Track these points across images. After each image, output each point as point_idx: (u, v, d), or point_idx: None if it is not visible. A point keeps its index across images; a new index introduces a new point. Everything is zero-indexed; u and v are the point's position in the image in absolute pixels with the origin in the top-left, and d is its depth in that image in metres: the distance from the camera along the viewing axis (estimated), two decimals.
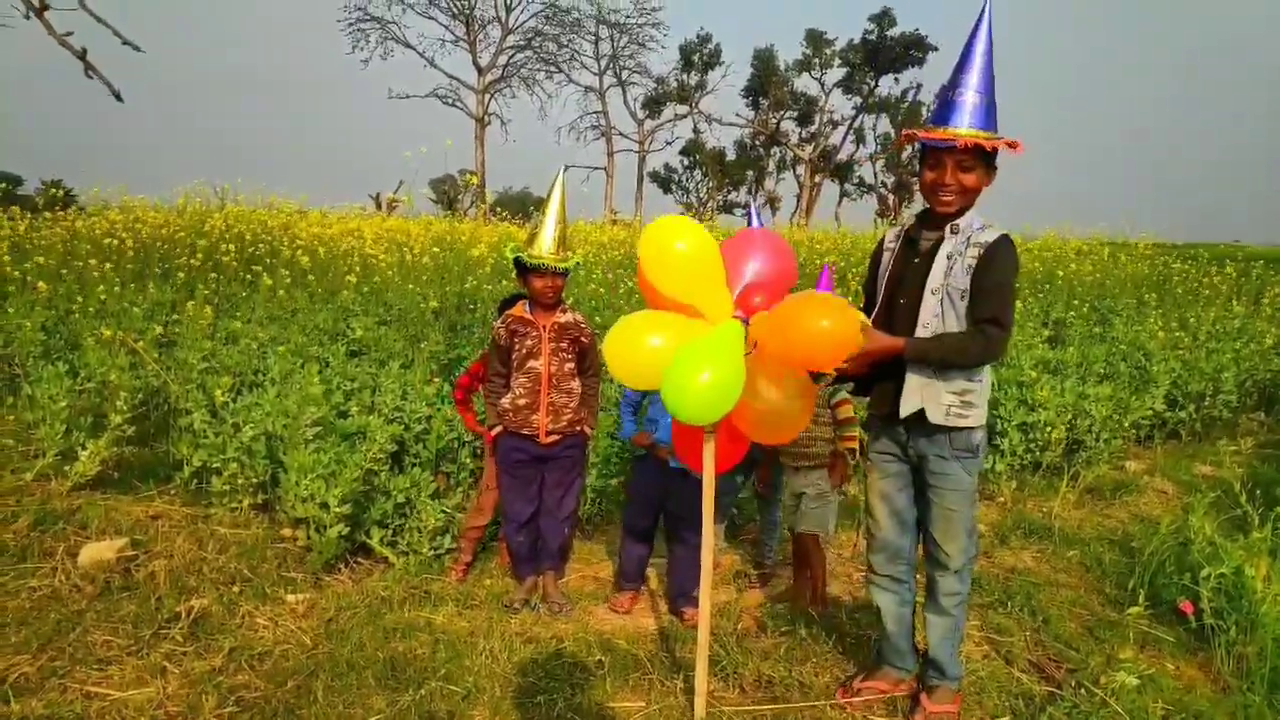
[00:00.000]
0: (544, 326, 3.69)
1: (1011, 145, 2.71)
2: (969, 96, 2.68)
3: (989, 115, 2.69)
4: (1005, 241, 2.72)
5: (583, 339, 3.78)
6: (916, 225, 2.92)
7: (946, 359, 2.73)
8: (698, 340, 2.59)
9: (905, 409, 2.82)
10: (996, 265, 2.69)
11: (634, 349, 2.71)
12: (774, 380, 2.70)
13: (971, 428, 2.79)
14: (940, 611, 2.98)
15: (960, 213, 2.79)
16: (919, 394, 2.79)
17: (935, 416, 2.77)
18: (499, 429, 3.77)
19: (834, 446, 3.81)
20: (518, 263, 3.63)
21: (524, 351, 3.70)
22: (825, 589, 3.93)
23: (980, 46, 2.71)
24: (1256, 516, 3.81)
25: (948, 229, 2.79)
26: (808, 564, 3.92)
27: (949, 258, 2.76)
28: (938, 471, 2.86)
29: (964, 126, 2.67)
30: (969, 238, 2.75)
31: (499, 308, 3.94)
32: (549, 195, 3.62)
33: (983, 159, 2.74)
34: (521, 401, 3.70)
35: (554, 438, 3.72)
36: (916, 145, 2.79)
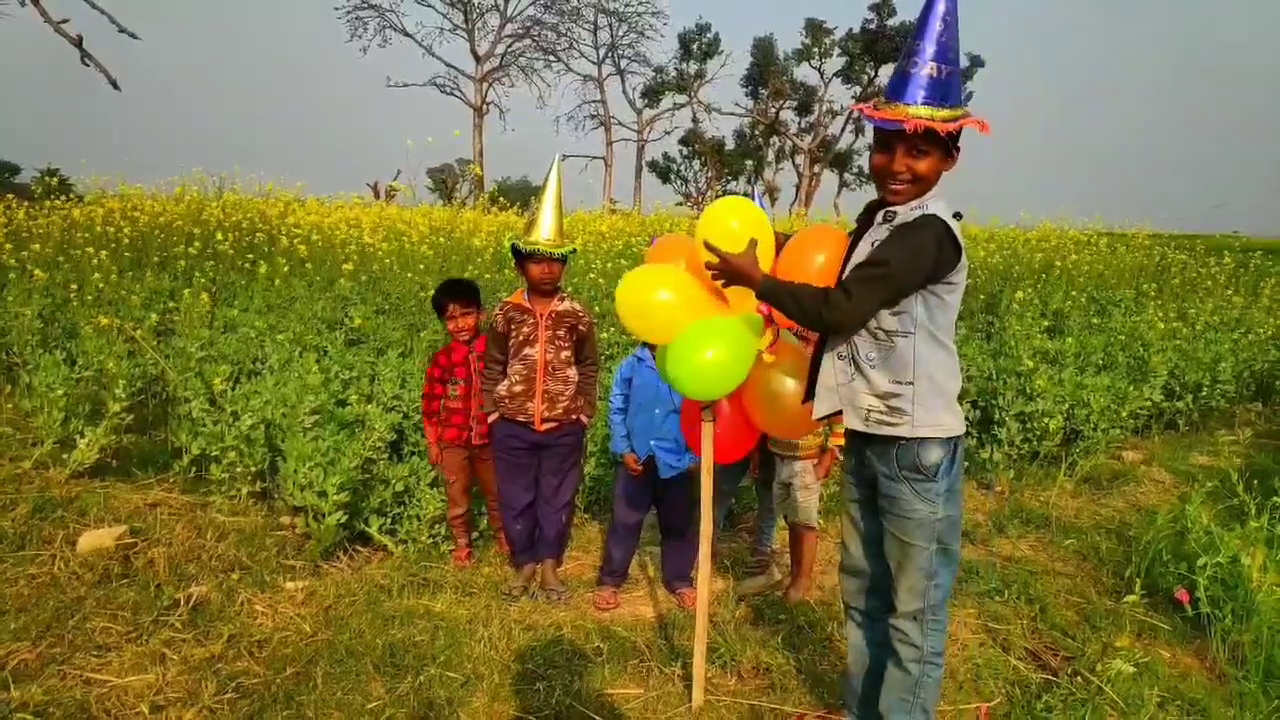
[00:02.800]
0: (541, 314, 3.69)
1: (980, 126, 2.29)
2: (925, 69, 2.25)
3: (950, 91, 2.26)
4: (922, 220, 2.26)
5: (581, 327, 3.78)
6: (865, 213, 2.50)
7: (785, 305, 2.37)
8: (713, 319, 2.62)
9: (819, 410, 2.49)
10: (893, 240, 2.27)
11: (645, 299, 2.72)
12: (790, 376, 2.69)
13: (907, 439, 2.33)
14: (896, 663, 2.51)
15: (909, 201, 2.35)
16: (835, 394, 2.44)
17: (852, 421, 2.41)
18: (495, 415, 3.77)
19: (822, 440, 3.81)
20: (514, 250, 3.65)
21: (520, 338, 3.70)
22: (807, 578, 3.94)
23: (941, 8, 2.27)
24: (1253, 506, 3.82)
25: (881, 215, 2.39)
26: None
27: (872, 244, 2.35)
28: (886, 493, 2.43)
29: (918, 103, 2.24)
30: (894, 220, 2.33)
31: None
32: (545, 183, 3.63)
33: (940, 142, 2.29)
34: (517, 388, 3.70)
35: (549, 425, 3.72)
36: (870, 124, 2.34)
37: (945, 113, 2.24)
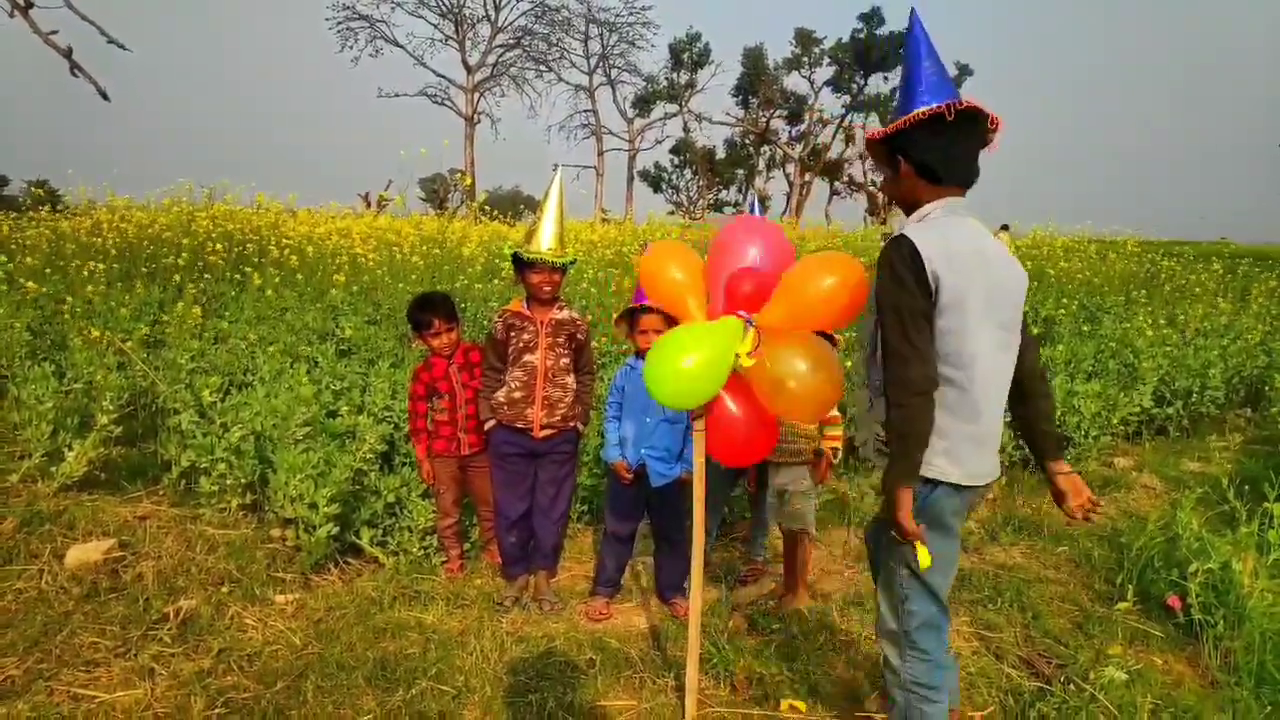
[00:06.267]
0: (541, 322, 3.70)
1: (872, 136, 2.37)
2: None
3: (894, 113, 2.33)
4: (886, 248, 2.25)
5: (579, 335, 3.80)
6: None
7: (903, 434, 2.20)
8: (690, 326, 2.61)
9: (857, 440, 2.51)
10: (877, 282, 2.28)
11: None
12: (800, 356, 2.59)
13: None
14: (887, 691, 2.51)
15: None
16: (861, 420, 2.47)
17: (864, 450, 2.43)
18: (492, 422, 3.77)
19: (817, 444, 3.81)
20: (515, 258, 3.66)
21: (520, 346, 3.71)
22: (805, 584, 3.94)
23: (913, 49, 2.35)
24: (1244, 512, 3.83)
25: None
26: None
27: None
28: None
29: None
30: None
31: None
32: (546, 193, 3.66)
33: (883, 159, 2.38)
34: (516, 395, 3.70)
35: (547, 432, 3.72)
36: None
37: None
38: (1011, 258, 2.37)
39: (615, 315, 3.84)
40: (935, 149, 2.27)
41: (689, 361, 2.53)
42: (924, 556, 2.21)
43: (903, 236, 2.20)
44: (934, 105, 2.21)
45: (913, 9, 2.37)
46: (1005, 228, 16.86)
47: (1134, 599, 3.66)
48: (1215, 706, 3.12)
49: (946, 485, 2.27)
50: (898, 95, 2.34)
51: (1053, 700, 3.07)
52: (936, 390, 2.20)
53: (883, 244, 2.30)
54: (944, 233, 2.22)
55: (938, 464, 2.25)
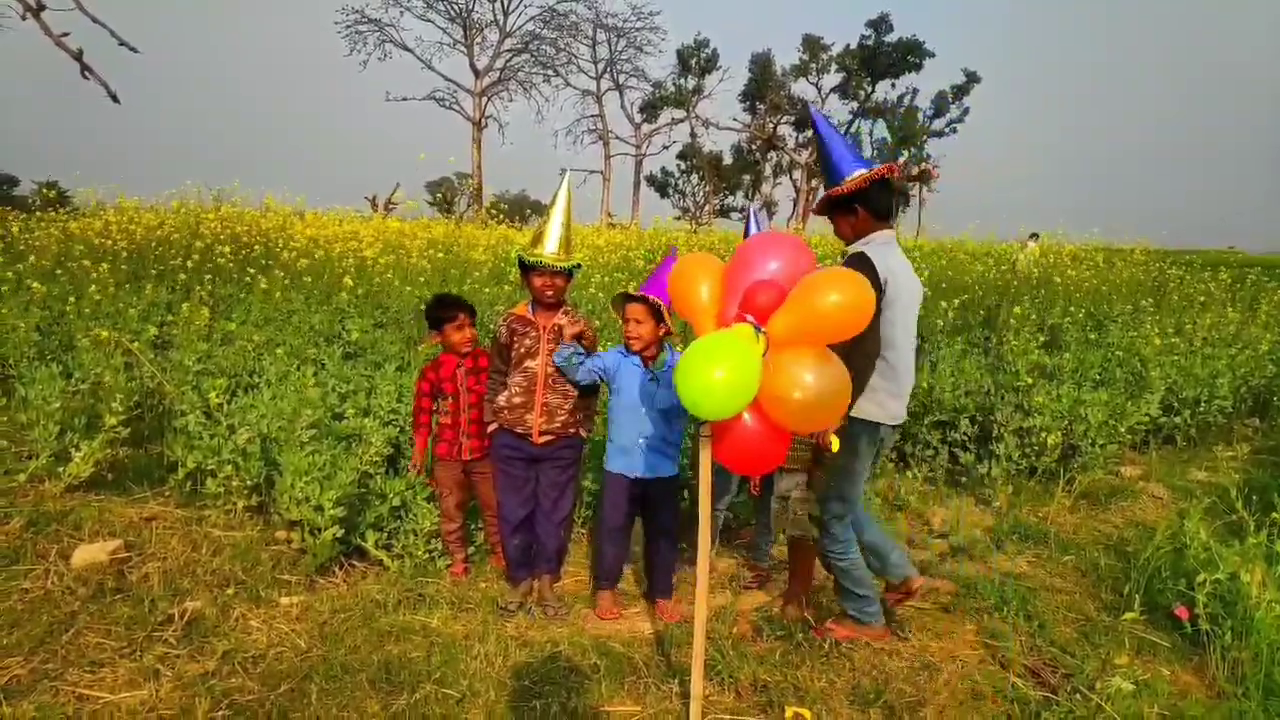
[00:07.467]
0: (544, 327, 3.70)
1: (832, 194, 3.34)
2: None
3: (832, 175, 3.34)
4: (853, 260, 3.18)
5: (583, 342, 3.78)
6: None
7: (858, 384, 3.14)
8: (715, 336, 2.60)
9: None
10: None
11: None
12: (806, 368, 2.59)
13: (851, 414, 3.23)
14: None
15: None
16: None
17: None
18: (494, 426, 3.77)
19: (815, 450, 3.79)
20: (520, 261, 3.67)
21: (522, 350, 3.71)
22: (807, 592, 3.92)
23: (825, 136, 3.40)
24: (1252, 522, 3.82)
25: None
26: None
27: None
28: None
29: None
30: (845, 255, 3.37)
31: None
32: (554, 198, 3.68)
33: (837, 208, 3.39)
34: (517, 400, 3.70)
35: (547, 438, 3.72)
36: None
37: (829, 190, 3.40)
38: (915, 275, 3.45)
39: (612, 300, 3.89)
40: (884, 199, 3.33)
41: (720, 373, 2.50)
42: (835, 443, 3.23)
43: (864, 254, 3.19)
44: (876, 169, 3.26)
45: (808, 104, 3.71)
46: (1034, 236, 16.71)
47: (1141, 609, 3.63)
48: (1222, 718, 3.10)
49: (869, 423, 3.33)
50: (826, 167, 3.38)
51: (1059, 710, 3.06)
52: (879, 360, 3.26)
53: (842, 260, 3.30)
54: (886, 253, 3.26)
55: (867, 409, 3.31)
